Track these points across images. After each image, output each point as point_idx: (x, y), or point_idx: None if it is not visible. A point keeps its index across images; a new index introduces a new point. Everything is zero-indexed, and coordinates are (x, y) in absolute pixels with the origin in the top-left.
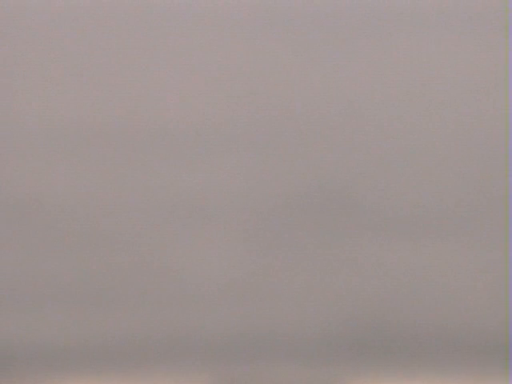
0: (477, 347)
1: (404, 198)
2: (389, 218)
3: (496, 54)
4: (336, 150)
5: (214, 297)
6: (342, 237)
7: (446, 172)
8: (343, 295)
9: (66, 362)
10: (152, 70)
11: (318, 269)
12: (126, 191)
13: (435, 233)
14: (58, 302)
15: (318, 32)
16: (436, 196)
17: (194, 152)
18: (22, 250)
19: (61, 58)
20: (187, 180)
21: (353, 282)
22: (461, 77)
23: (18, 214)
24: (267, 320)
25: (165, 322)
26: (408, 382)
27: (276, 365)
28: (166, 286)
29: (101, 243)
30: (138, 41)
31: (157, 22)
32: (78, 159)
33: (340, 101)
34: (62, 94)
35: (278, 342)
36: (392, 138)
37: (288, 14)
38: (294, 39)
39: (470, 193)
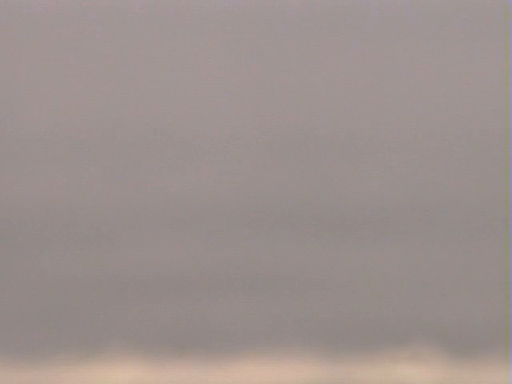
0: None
1: (402, 199)
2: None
3: (496, 54)
4: (334, 149)
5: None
6: (338, 236)
7: (444, 172)
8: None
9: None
10: (152, 73)
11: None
12: (123, 190)
13: (432, 235)
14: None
15: (317, 33)
16: (435, 196)
17: (190, 153)
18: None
19: (58, 61)
20: (184, 181)
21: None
22: (460, 76)
23: (19, 216)
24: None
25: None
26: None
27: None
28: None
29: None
30: (138, 46)
31: (157, 25)
32: (78, 161)
33: (340, 101)
34: (61, 96)
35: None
36: (391, 138)
37: (289, 17)
38: (294, 41)
39: (467, 195)
